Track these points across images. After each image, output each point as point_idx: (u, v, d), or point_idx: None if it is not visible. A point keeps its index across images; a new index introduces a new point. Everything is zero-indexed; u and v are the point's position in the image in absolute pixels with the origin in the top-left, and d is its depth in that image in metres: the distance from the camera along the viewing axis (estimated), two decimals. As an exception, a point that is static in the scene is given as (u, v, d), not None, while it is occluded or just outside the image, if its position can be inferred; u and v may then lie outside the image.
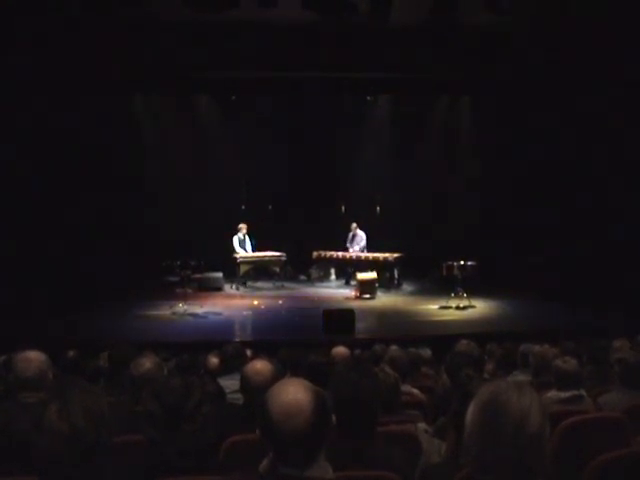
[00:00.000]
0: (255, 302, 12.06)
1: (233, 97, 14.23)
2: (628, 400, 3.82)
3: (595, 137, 11.27)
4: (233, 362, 4.37)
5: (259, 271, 14.02)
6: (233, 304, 11.96)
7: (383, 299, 12.41)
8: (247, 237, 13.50)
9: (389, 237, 13.84)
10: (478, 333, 8.36)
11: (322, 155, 14.43)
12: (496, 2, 9.80)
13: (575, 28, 10.22)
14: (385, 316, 10.94)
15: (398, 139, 14.64)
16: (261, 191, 14.70)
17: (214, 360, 5.81)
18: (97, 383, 4.49)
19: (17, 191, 10.73)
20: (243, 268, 13.38)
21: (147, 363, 3.37)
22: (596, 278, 10.58)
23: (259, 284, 13.89)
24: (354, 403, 2.52)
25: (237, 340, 8.82)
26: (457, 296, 11.40)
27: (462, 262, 11.50)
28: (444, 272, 11.74)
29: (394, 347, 6.00)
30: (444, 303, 11.39)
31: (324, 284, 14.26)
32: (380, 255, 13.16)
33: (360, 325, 9.56)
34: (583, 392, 3.93)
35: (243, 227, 13.44)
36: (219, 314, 10.92)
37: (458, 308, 11.15)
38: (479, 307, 11.34)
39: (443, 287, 12.02)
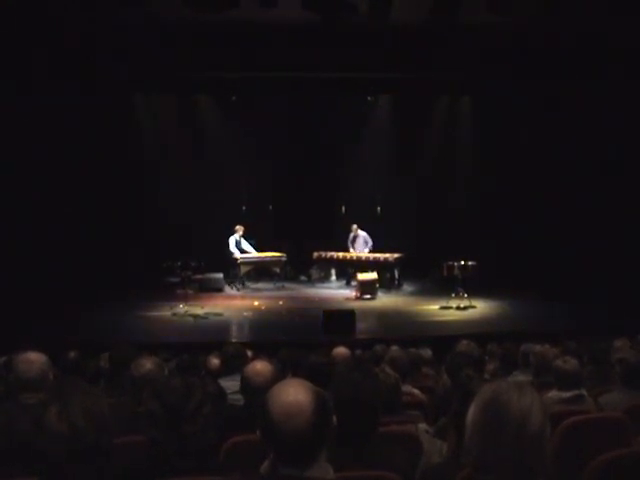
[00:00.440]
0: (256, 303, 12.06)
1: (233, 97, 14.23)
2: (629, 400, 3.82)
3: (595, 137, 11.26)
4: (234, 363, 4.37)
5: (259, 272, 14.02)
6: (234, 305, 11.96)
7: (384, 299, 12.41)
8: (243, 239, 13.50)
9: (389, 237, 13.83)
10: (478, 333, 8.36)
11: (322, 155, 14.42)
12: (496, 2, 9.80)
13: (575, 28, 10.23)
14: (386, 316, 10.93)
15: (398, 139, 14.63)
16: (261, 191, 14.69)
17: (215, 361, 5.81)
18: (98, 384, 4.49)
19: (17, 191, 10.73)
20: (243, 269, 13.39)
21: (148, 364, 3.37)
22: (596, 278, 10.59)
23: (259, 285, 13.89)
24: (355, 404, 2.52)
25: (238, 341, 8.83)
26: (457, 296, 11.40)
27: (462, 262, 11.50)
28: (444, 272, 11.74)
29: (395, 347, 6.00)
30: (444, 303, 11.38)
31: (324, 285, 14.26)
32: (380, 255, 13.16)
33: (361, 325, 9.56)
34: (584, 392, 3.93)
35: (240, 229, 13.46)
36: (220, 315, 10.92)
37: (458, 308, 11.15)
38: (479, 307, 11.34)
39: (443, 287, 12.03)
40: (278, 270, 13.85)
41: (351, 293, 12.81)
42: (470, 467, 1.70)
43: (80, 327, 9.57)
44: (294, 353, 5.81)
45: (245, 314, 11.10)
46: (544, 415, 1.64)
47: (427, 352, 7.29)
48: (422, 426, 3.31)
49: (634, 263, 10.43)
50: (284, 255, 13.80)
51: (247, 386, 3.19)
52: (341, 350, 5.41)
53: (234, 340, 9.09)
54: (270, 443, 1.85)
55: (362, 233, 13.81)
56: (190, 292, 12.26)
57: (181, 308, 10.95)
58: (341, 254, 13.81)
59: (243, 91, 13.66)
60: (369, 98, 15.04)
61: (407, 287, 13.54)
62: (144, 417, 2.14)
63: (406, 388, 4.36)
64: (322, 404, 1.87)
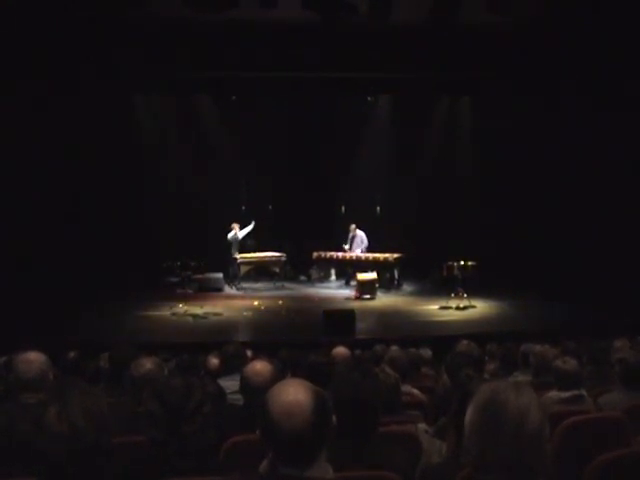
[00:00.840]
0: (255, 303, 12.06)
1: (233, 97, 14.23)
2: (628, 400, 3.82)
3: (595, 137, 11.26)
4: (233, 363, 4.36)
5: (259, 271, 14.03)
6: (233, 305, 11.96)
7: (383, 299, 12.42)
8: (238, 236, 13.53)
9: (389, 237, 13.84)
10: (478, 333, 8.36)
11: (322, 155, 14.43)
12: (496, 2, 9.80)
13: (574, 27, 10.23)
14: (385, 316, 10.94)
15: (398, 139, 14.64)
16: (261, 191, 14.70)
17: (214, 361, 5.81)
18: (98, 384, 4.49)
19: (17, 191, 10.73)
20: (243, 268, 13.40)
21: (148, 364, 3.37)
22: (596, 277, 10.58)
23: (259, 284, 13.89)
24: (355, 403, 2.52)
25: (237, 341, 8.83)
26: (457, 296, 11.40)
27: (462, 262, 11.50)
28: (444, 272, 11.75)
29: (394, 347, 6.00)
30: (444, 303, 11.39)
31: (324, 284, 14.26)
32: (380, 255, 13.16)
33: (360, 325, 9.57)
34: (584, 392, 3.93)
35: (235, 226, 13.50)
36: (219, 315, 10.92)
37: (458, 308, 11.15)
38: (479, 307, 11.34)
39: (443, 287, 12.03)
40: (278, 270, 13.87)
41: (351, 293, 12.81)
42: (469, 467, 1.70)
43: (80, 327, 9.58)
44: (294, 353, 5.82)
45: (245, 314, 11.11)
46: (542, 414, 1.64)
47: (427, 352, 7.29)
48: (422, 426, 3.31)
49: (634, 263, 10.43)
50: (284, 255, 13.82)
51: (247, 386, 3.19)
52: (341, 350, 5.41)
53: (234, 340, 9.09)
54: (270, 443, 1.85)
55: (360, 233, 13.82)
56: (190, 292, 12.29)
57: (181, 308, 10.96)
58: (341, 254, 13.83)
59: (243, 91, 13.67)
60: (369, 98, 15.06)
61: (407, 287, 13.55)
62: (144, 417, 2.14)
63: (406, 388, 4.36)
64: (322, 404, 1.87)
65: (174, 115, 14.23)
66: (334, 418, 1.94)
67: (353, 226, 13.88)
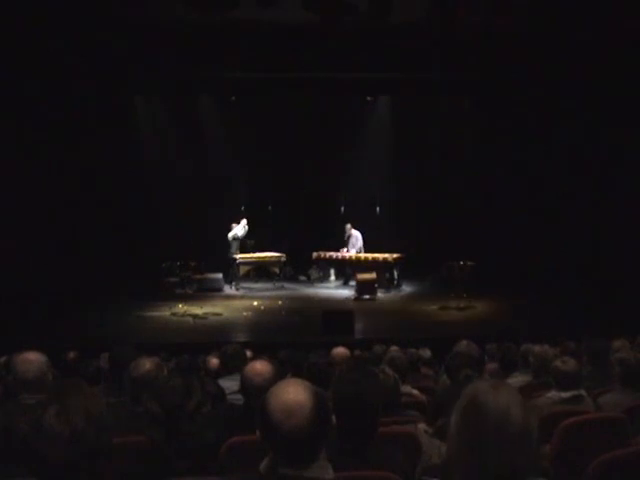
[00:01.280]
0: (255, 303, 12.06)
1: (232, 97, 14.24)
2: (628, 400, 3.82)
3: (595, 136, 11.26)
4: (233, 363, 4.37)
5: (259, 272, 14.03)
6: (233, 305, 11.96)
7: (383, 300, 12.41)
8: (238, 235, 13.58)
9: (388, 237, 13.85)
10: (478, 334, 8.36)
11: (322, 155, 14.43)
12: (496, 2, 9.81)
13: (574, 27, 10.23)
14: (385, 317, 10.93)
15: (398, 139, 14.64)
16: (261, 191, 14.70)
17: (214, 361, 5.82)
18: (97, 384, 4.49)
19: (17, 191, 10.73)
20: (243, 269, 13.41)
21: (147, 364, 3.36)
22: (596, 278, 10.59)
23: (259, 285, 13.90)
24: (356, 404, 2.51)
25: (237, 341, 8.83)
26: (457, 296, 11.40)
27: (462, 262, 11.50)
28: (444, 272, 11.75)
29: (394, 348, 6.00)
30: (444, 303, 11.39)
31: (324, 285, 14.26)
32: (380, 256, 13.16)
33: (359, 326, 9.57)
34: (583, 392, 3.93)
35: (235, 226, 13.57)
36: (219, 315, 10.92)
37: (458, 309, 11.15)
38: (479, 307, 11.34)
39: (443, 287, 12.03)
40: (277, 270, 13.87)
41: (350, 293, 12.81)
42: (455, 474, 1.69)
43: (80, 327, 9.58)
44: (293, 353, 5.82)
45: (244, 314, 11.11)
46: (525, 413, 1.61)
47: (426, 352, 7.30)
48: (421, 426, 3.31)
49: (634, 263, 10.43)
50: (283, 255, 13.82)
51: (246, 386, 3.19)
52: (340, 350, 5.41)
53: (233, 340, 9.08)
54: (270, 443, 1.86)
55: (355, 232, 13.81)
56: (189, 292, 12.29)
57: (180, 308, 10.96)
58: (340, 254, 13.82)
59: (243, 91, 13.67)
60: (368, 98, 15.06)
61: (406, 287, 13.55)
62: (143, 417, 2.14)
63: (405, 388, 4.36)
64: (321, 404, 1.87)
65: (174, 115, 14.24)
66: (333, 418, 1.94)
67: (348, 226, 13.88)
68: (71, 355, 6.92)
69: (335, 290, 13.63)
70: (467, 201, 14.19)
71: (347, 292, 13.08)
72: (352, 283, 13.16)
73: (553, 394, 3.92)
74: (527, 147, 12.64)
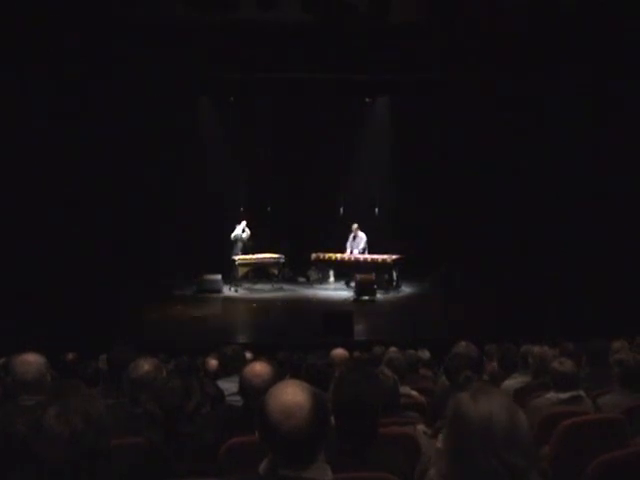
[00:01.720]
0: (254, 304, 12.06)
1: (231, 98, 14.24)
2: (627, 401, 3.82)
3: (595, 136, 11.27)
4: (232, 364, 4.36)
5: (258, 273, 14.03)
6: (232, 306, 11.96)
7: (382, 301, 12.41)
8: (244, 229, 13.69)
9: (387, 238, 13.85)
10: (477, 334, 8.35)
11: (321, 156, 14.44)
12: (496, 2, 9.83)
13: (573, 28, 10.25)
14: (384, 318, 10.94)
15: (398, 140, 14.65)
16: (260, 192, 14.71)
17: (213, 362, 5.82)
18: (96, 385, 4.49)
19: (16, 192, 10.73)
20: (242, 270, 13.41)
21: (146, 365, 3.36)
22: (596, 278, 10.59)
23: (258, 286, 13.90)
24: (357, 405, 2.51)
25: (236, 342, 8.82)
26: (456, 297, 11.40)
27: (462, 263, 11.51)
28: (444, 273, 11.75)
29: (393, 349, 6.00)
30: (443, 304, 11.39)
31: (323, 286, 14.25)
32: (379, 257, 13.17)
33: (359, 327, 9.57)
34: (582, 393, 3.93)
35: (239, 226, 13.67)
36: (218, 316, 10.92)
37: (457, 309, 11.14)
38: (478, 308, 11.34)
39: (442, 288, 12.03)
40: (276, 271, 13.87)
41: (349, 294, 12.81)
42: None
43: (79, 328, 9.56)
44: (292, 355, 5.82)
45: (243, 315, 11.11)
46: (510, 416, 1.61)
47: (425, 353, 7.30)
48: (420, 427, 3.31)
49: (634, 263, 10.44)
50: (282, 256, 13.82)
51: (245, 387, 3.19)
52: (339, 352, 5.42)
53: (232, 341, 9.08)
54: (269, 444, 1.86)
55: (361, 234, 13.81)
56: (188, 293, 12.29)
57: (179, 309, 10.96)
58: (339, 255, 13.82)
59: (243, 92, 13.67)
60: (367, 99, 15.07)
61: (405, 288, 13.55)
62: (142, 418, 2.14)
63: (404, 390, 4.36)
64: (320, 405, 1.87)
65: (173, 116, 14.22)
66: (332, 419, 1.94)
67: (355, 226, 13.84)
68: (70, 356, 6.93)
69: (334, 291, 13.63)
70: (467, 201, 14.17)
71: (346, 293, 13.08)
72: (353, 284, 13.16)
73: (552, 395, 3.92)
74: (527, 147, 12.63)
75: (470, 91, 13.45)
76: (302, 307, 11.68)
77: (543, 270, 11.82)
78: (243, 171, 14.49)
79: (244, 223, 13.74)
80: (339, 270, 14.35)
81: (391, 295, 12.97)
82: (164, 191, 13.95)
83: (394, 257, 13.04)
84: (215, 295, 12.97)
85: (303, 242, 14.23)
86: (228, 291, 13.34)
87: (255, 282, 14.00)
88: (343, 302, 12.25)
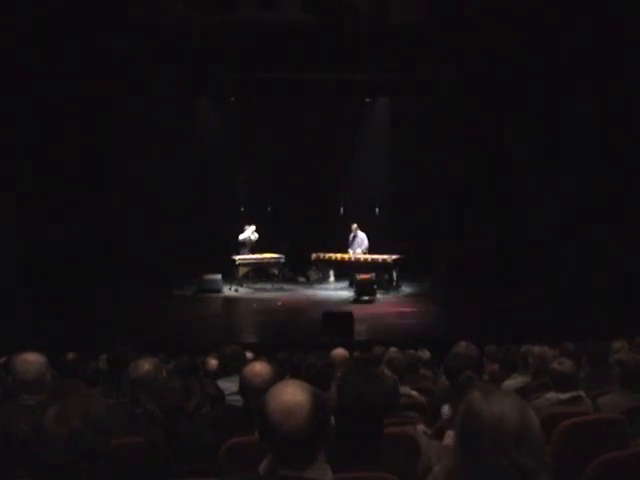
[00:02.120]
0: (254, 304, 12.06)
1: (232, 98, 14.24)
2: (627, 402, 3.82)
3: (595, 136, 11.26)
4: (232, 364, 4.36)
5: (258, 273, 14.04)
6: (232, 306, 11.96)
7: (382, 301, 12.41)
8: (251, 239, 13.75)
9: (387, 238, 13.85)
10: (477, 335, 8.35)
11: (321, 156, 14.44)
12: (496, 2, 9.84)
13: (573, 28, 10.25)
14: (384, 318, 10.94)
15: (398, 140, 14.64)
16: (260, 192, 14.71)
17: (213, 362, 5.82)
18: (96, 385, 4.49)
19: (16, 192, 10.74)
20: (242, 270, 13.41)
21: (146, 365, 3.36)
22: (596, 278, 10.59)
23: (258, 286, 13.90)
24: (360, 406, 2.51)
25: (236, 342, 8.82)
26: (456, 297, 11.40)
27: (461, 263, 11.50)
28: (444, 273, 11.75)
29: (393, 349, 6.00)
30: (443, 304, 11.39)
31: (323, 286, 14.25)
32: (379, 257, 13.17)
33: (359, 327, 9.57)
34: (582, 393, 3.93)
35: (249, 228, 13.80)
36: (218, 316, 10.92)
37: (457, 309, 11.14)
38: (478, 308, 11.33)
39: (442, 288, 12.02)
40: (276, 271, 13.87)
41: (349, 294, 12.81)
42: None
43: (80, 327, 9.56)
44: (292, 354, 5.82)
45: (243, 315, 11.11)
46: (522, 415, 1.62)
47: (425, 353, 7.30)
48: (420, 427, 3.30)
49: (634, 263, 10.44)
50: (282, 256, 13.82)
51: (246, 387, 3.19)
52: (339, 352, 5.41)
53: (232, 341, 9.08)
54: (269, 443, 1.86)
55: (361, 234, 13.81)
56: (188, 293, 12.29)
57: (179, 309, 10.96)
58: (339, 255, 13.82)
59: (243, 92, 13.68)
60: (367, 99, 15.07)
61: (405, 288, 13.55)
62: (142, 418, 2.14)
63: (404, 390, 4.36)
64: (320, 405, 1.88)
65: (173, 116, 14.22)
66: (332, 419, 1.94)
67: (354, 226, 13.85)
68: (70, 356, 6.92)
69: (334, 291, 13.63)
70: (467, 201, 14.17)
71: (346, 293, 13.08)
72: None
73: (552, 395, 3.92)
74: (527, 147, 12.63)
75: (470, 91, 13.46)
76: (302, 307, 11.67)
77: (543, 270, 11.82)
78: (243, 171, 14.48)
79: (253, 227, 13.76)
80: (339, 270, 14.34)
81: (391, 295, 12.97)
82: (164, 191, 13.94)
83: (394, 257, 13.04)
84: (215, 295, 12.98)
85: (303, 242, 14.23)
86: (228, 291, 13.34)
87: (255, 282, 14.00)
88: (343, 302, 12.24)
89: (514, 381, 5.00)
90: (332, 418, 2.01)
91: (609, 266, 10.83)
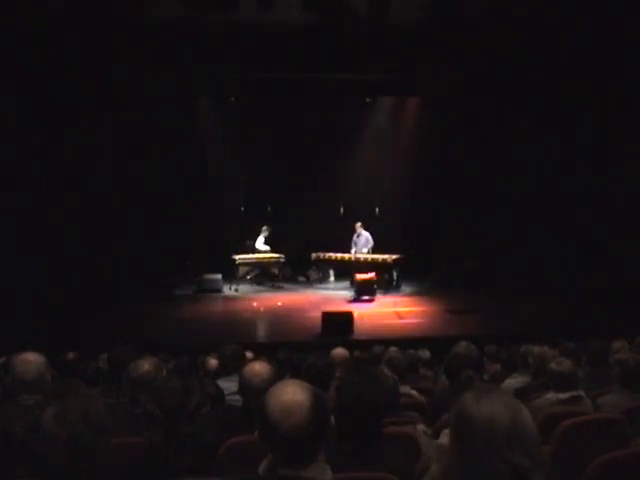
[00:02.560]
0: (254, 304, 12.06)
1: (232, 98, 14.23)
2: (627, 401, 3.82)
3: (595, 135, 11.27)
4: (232, 364, 4.37)
5: (258, 272, 14.04)
6: (232, 306, 11.96)
7: (382, 300, 12.41)
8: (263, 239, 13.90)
9: (388, 238, 13.84)
10: (477, 335, 8.36)
11: (322, 156, 14.43)
12: (496, 2, 9.83)
13: (573, 28, 10.25)
14: (384, 317, 10.93)
15: (398, 139, 14.64)
16: (260, 192, 14.70)
17: (213, 362, 5.82)
18: (96, 385, 4.49)
19: (16, 191, 10.74)
20: (242, 269, 13.41)
21: (146, 365, 3.36)
22: (596, 278, 10.59)
23: (258, 286, 13.90)
24: (359, 405, 2.51)
25: (236, 342, 8.82)
26: (456, 297, 11.39)
27: (461, 263, 11.50)
28: (443, 273, 11.75)
29: (393, 348, 6.00)
30: (443, 304, 11.38)
31: (323, 285, 14.26)
32: (379, 257, 13.16)
33: (359, 327, 9.56)
34: (582, 393, 3.93)
35: (264, 230, 13.91)
36: (218, 315, 10.92)
37: (457, 309, 11.14)
38: (478, 308, 11.34)
39: (442, 288, 12.02)
40: (277, 271, 13.86)
41: (349, 294, 12.81)
42: None
43: (80, 328, 9.57)
44: (292, 354, 5.82)
45: (243, 315, 11.11)
46: (513, 416, 1.62)
47: (425, 353, 7.30)
48: (420, 427, 3.30)
49: (634, 264, 10.44)
50: (282, 256, 13.83)
51: (245, 387, 3.19)
52: (339, 351, 5.41)
53: (232, 341, 9.07)
54: (268, 443, 1.86)
55: (365, 233, 13.79)
56: (189, 293, 12.28)
57: (179, 308, 10.96)
58: (339, 255, 13.81)
59: (243, 92, 13.66)
60: (367, 99, 15.06)
61: (405, 288, 13.55)
62: (142, 418, 2.14)
63: (404, 389, 4.36)
64: (320, 404, 1.88)
65: (174, 116, 14.22)
66: (333, 419, 1.94)
67: (359, 224, 13.81)
68: (70, 356, 6.93)
69: (334, 291, 13.63)
70: (467, 201, 14.18)
71: (346, 293, 13.07)
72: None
73: (552, 395, 3.92)
74: (528, 146, 12.63)
75: (470, 91, 13.45)
76: (302, 307, 11.67)
77: (543, 270, 11.82)
78: (243, 171, 14.47)
79: (265, 234, 13.88)
80: (339, 270, 14.35)
81: (391, 294, 12.96)
82: (164, 191, 13.94)
83: (394, 257, 13.04)
84: (215, 295, 12.98)
85: (303, 242, 14.23)
86: (228, 291, 13.34)
87: (255, 281, 13.99)
88: (343, 302, 12.23)
89: (514, 381, 5.01)
90: (332, 418, 2.01)
91: (609, 266, 10.83)
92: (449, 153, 14.50)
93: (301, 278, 14.84)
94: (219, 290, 13.23)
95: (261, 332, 10.07)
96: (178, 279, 13.33)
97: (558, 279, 11.28)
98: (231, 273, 13.45)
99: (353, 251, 13.73)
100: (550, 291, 11.08)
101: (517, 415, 1.63)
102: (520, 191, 12.93)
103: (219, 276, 13.34)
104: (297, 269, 14.85)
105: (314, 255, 14.14)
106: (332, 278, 14.57)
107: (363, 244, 13.70)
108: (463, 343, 5.39)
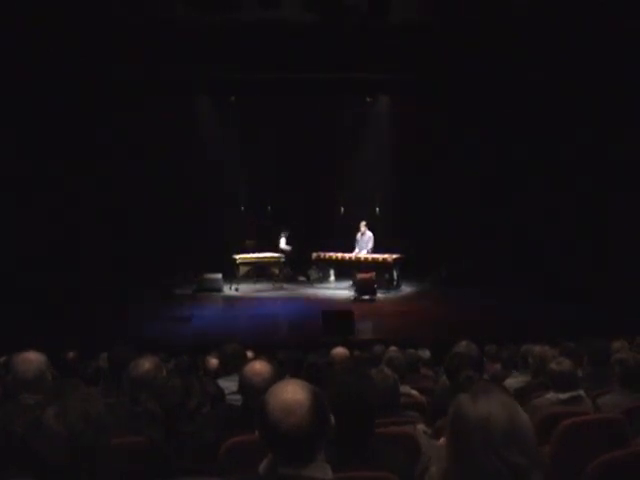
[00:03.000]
0: (254, 303, 12.06)
1: (232, 98, 14.23)
2: (627, 401, 3.82)
3: (596, 135, 11.26)
4: (232, 363, 4.36)
5: (258, 272, 14.04)
6: (232, 305, 11.96)
7: (382, 300, 12.41)
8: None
9: (388, 238, 13.84)
10: (478, 334, 8.35)
11: (322, 155, 14.43)
12: (496, 2, 9.84)
13: (573, 28, 10.25)
14: (384, 317, 10.93)
15: (398, 139, 14.63)
16: (260, 192, 14.71)
17: (213, 361, 5.82)
18: (97, 384, 4.49)
19: (17, 191, 10.74)
20: (242, 269, 13.41)
21: (146, 364, 3.36)
22: (596, 278, 10.59)
23: (258, 285, 13.90)
24: (349, 405, 2.51)
25: (236, 341, 8.81)
26: (456, 296, 11.39)
27: (461, 263, 11.50)
28: (444, 273, 11.74)
29: (393, 348, 6.00)
30: (443, 303, 11.38)
31: (323, 285, 14.25)
32: (379, 256, 13.16)
33: (359, 326, 9.56)
34: (582, 393, 3.93)
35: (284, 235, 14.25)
36: (218, 315, 10.91)
37: (457, 309, 11.14)
38: (478, 308, 11.34)
39: (442, 288, 12.01)
40: (277, 271, 13.87)
41: (350, 293, 12.81)
42: None
43: (80, 327, 9.57)
44: (293, 353, 5.82)
45: (244, 314, 11.10)
46: (509, 415, 1.62)
47: (425, 353, 7.30)
48: (420, 427, 3.30)
49: (634, 264, 10.44)
50: (283, 255, 13.83)
51: (246, 386, 3.19)
52: (339, 351, 5.42)
53: (232, 340, 9.07)
54: (269, 442, 1.86)
55: (369, 233, 13.76)
56: (189, 292, 12.28)
57: (180, 308, 10.95)
58: (340, 254, 13.81)
59: (243, 92, 13.67)
60: (368, 99, 15.06)
61: (406, 287, 13.55)
62: (143, 417, 2.14)
63: (404, 389, 4.35)
64: (320, 403, 1.88)
65: (173, 116, 14.22)
66: (332, 418, 1.94)
67: (363, 223, 13.76)
68: (70, 355, 6.93)
69: (335, 290, 13.63)
70: (467, 201, 14.17)
71: (347, 292, 13.08)
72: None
73: (552, 395, 3.92)
74: (527, 146, 12.63)
75: (470, 91, 13.46)
76: (302, 306, 11.67)
77: (543, 270, 11.82)
78: (243, 171, 14.47)
79: (285, 238, 14.04)
80: (339, 269, 14.35)
81: (391, 294, 12.97)
82: (164, 191, 13.94)
83: (394, 257, 13.04)
84: (215, 294, 12.98)
85: (303, 241, 14.23)
86: (229, 290, 13.34)
87: (256, 281, 14.00)
88: (343, 301, 12.24)
89: (514, 380, 5.01)
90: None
91: (609, 266, 10.83)
92: (449, 153, 14.51)
93: (301, 278, 14.84)
94: (219, 290, 13.23)
95: (261, 332, 10.06)
96: (178, 279, 13.32)
97: (558, 279, 11.28)
98: (231, 273, 13.44)
99: (356, 250, 13.71)
100: (550, 291, 11.09)
101: (514, 414, 1.63)
102: (520, 191, 12.93)
103: (219, 276, 13.34)
104: (297, 269, 14.85)
105: (314, 255, 14.14)
106: (332, 278, 14.57)
107: (365, 243, 13.69)
108: (463, 343, 5.38)
